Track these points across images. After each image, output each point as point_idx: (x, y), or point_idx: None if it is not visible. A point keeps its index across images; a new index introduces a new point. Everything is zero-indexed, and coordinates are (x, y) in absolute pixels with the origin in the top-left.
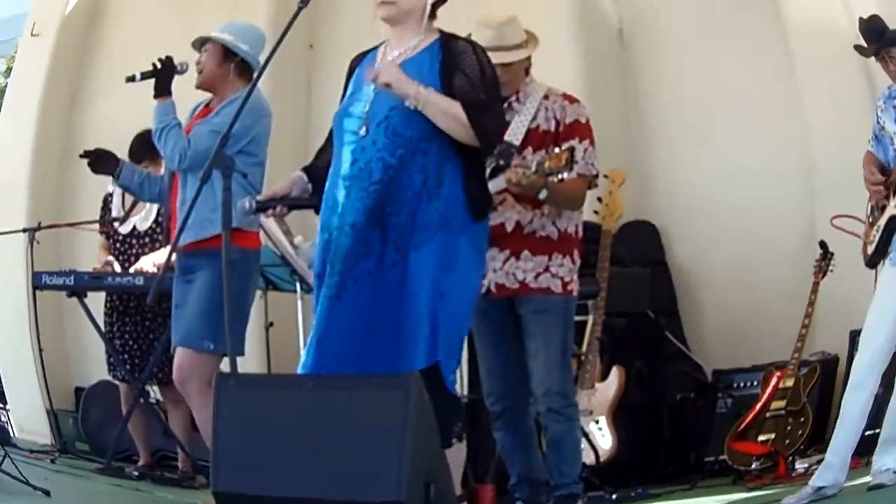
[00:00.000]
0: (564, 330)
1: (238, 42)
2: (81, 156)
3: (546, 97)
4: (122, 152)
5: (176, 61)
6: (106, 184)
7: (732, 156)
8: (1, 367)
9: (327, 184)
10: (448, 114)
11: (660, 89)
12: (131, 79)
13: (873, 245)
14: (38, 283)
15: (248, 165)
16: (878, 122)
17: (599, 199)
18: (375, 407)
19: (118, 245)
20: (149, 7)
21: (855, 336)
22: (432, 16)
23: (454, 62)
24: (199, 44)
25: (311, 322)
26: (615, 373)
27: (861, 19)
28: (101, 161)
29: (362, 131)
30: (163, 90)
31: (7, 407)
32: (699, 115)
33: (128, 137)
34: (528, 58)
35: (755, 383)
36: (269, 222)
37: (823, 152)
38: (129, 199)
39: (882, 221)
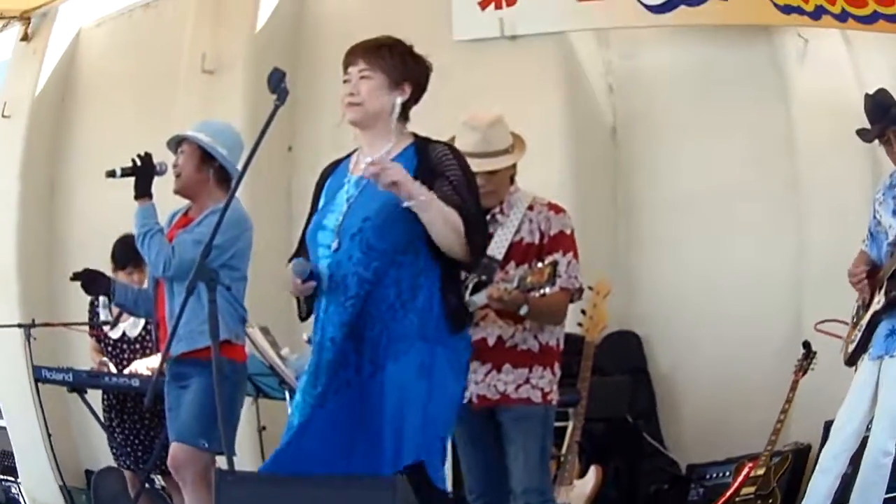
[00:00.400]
0: (543, 435)
1: (216, 145)
2: (72, 278)
3: (531, 207)
4: (106, 243)
5: (155, 160)
6: None
7: (722, 259)
8: (14, 447)
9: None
10: (448, 221)
11: (652, 190)
12: (111, 174)
13: (854, 343)
14: (38, 376)
15: (231, 280)
16: (875, 217)
17: (583, 312)
18: None
19: (110, 349)
20: (116, 91)
21: (829, 425)
22: (405, 118)
23: (434, 167)
24: (175, 143)
25: None
26: (593, 471)
27: (867, 95)
28: (92, 282)
29: (334, 245)
30: (143, 192)
31: (19, 480)
32: (691, 216)
33: (110, 225)
34: (514, 164)
35: (727, 474)
36: (256, 334)
37: (817, 255)
38: None
39: (865, 319)
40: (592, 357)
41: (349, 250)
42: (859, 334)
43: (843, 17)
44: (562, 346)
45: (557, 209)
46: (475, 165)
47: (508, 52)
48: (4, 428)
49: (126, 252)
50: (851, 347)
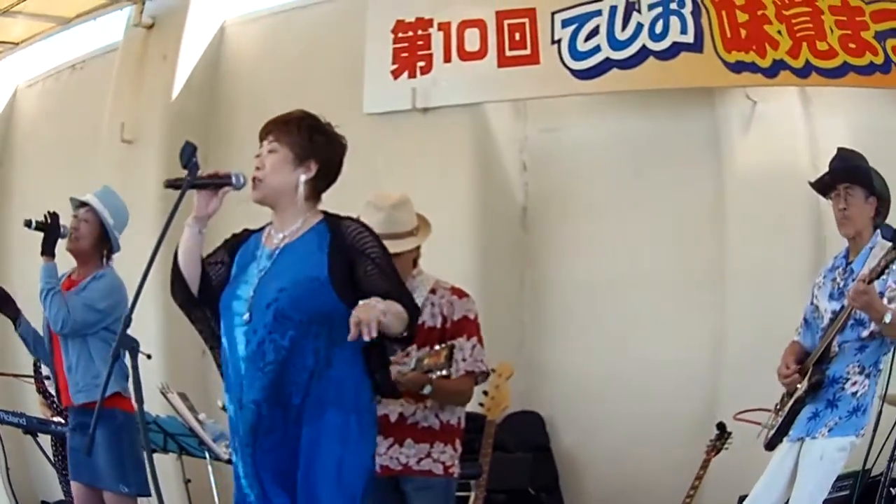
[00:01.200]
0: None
1: (115, 229)
2: None
3: (433, 291)
4: None
5: (61, 221)
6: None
7: (636, 343)
8: None
9: (229, 366)
10: (399, 317)
11: (562, 273)
12: (28, 224)
13: (775, 428)
14: None
15: (110, 342)
16: (812, 303)
17: (485, 393)
18: None
19: (54, 404)
20: (45, 155)
21: (742, 500)
22: (314, 197)
23: (350, 245)
24: (79, 204)
25: (221, 481)
26: None
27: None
28: (3, 303)
29: (246, 317)
30: (48, 250)
31: None
32: (603, 300)
33: None
34: (418, 247)
35: None
36: (175, 400)
37: (736, 340)
38: None
39: (788, 406)
40: (494, 435)
41: (263, 318)
42: (780, 419)
43: (805, 71)
44: (463, 424)
45: (461, 294)
46: None
47: (420, 126)
48: None
49: None
50: (772, 433)
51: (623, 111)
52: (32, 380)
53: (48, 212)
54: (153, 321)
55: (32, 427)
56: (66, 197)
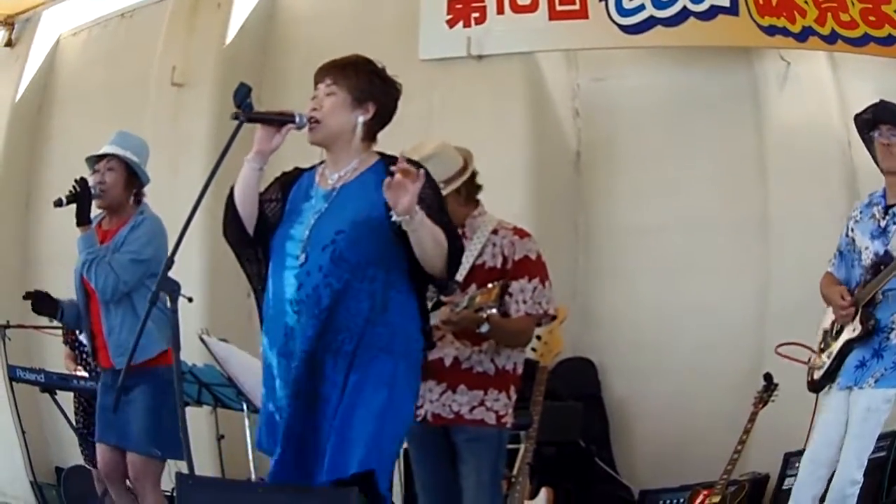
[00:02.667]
0: (496, 457)
1: (142, 163)
2: (24, 297)
3: (495, 231)
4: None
5: (91, 182)
6: (69, 295)
7: (683, 290)
8: None
9: (272, 309)
10: (436, 239)
11: (613, 219)
12: (59, 203)
13: (822, 370)
14: (12, 375)
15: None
16: (847, 236)
17: (538, 337)
18: None
19: (85, 354)
20: (91, 101)
21: (790, 457)
22: (370, 138)
23: None
24: (97, 159)
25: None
26: (543, 492)
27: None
28: (40, 303)
29: (302, 257)
30: (84, 219)
31: None
32: (653, 246)
33: None
34: (469, 182)
35: (681, 501)
36: (216, 344)
37: (782, 287)
38: None
39: (836, 346)
40: (546, 382)
41: (318, 261)
42: (828, 361)
43: (831, 38)
44: (519, 371)
45: (522, 234)
46: None
47: (475, 72)
48: None
49: None
50: (818, 374)
51: (667, 65)
52: (59, 332)
53: (76, 179)
54: (196, 262)
55: (52, 384)
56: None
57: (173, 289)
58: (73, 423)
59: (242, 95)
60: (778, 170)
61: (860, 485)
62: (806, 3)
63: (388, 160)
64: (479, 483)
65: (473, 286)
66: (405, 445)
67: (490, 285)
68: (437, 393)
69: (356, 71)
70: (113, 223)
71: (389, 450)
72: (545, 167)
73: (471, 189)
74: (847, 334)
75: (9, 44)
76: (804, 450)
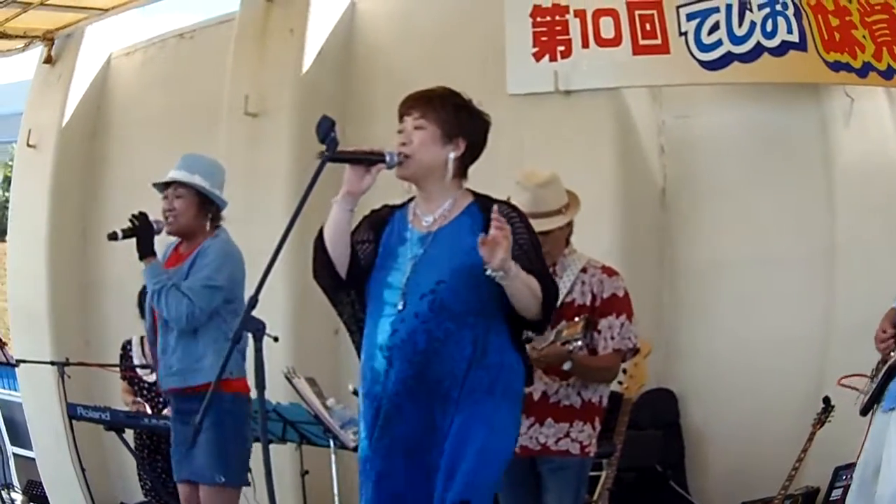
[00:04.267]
0: (578, 485)
1: (214, 188)
2: (110, 236)
3: (584, 270)
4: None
5: (151, 218)
6: (127, 327)
7: (755, 322)
8: (43, 478)
9: (364, 353)
10: (530, 288)
11: (696, 253)
12: (113, 237)
13: (868, 394)
14: (73, 413)
15: (228, 313)
16: None
17: (624, 371)
18: None
19: (145, 392)
20: (150, 126)
21: (840, 470)
22: (462, 174)
23: None
24: (165, 184)
25: (343, 473)
26: None
27: None
28: (144, 230)
29: (400, 305)
30: (147, 251)
31: None
32: (730, 280)
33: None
34: (570, 223)
35: None
36: (302, 385)
37: (845, 317)
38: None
39: (882, 370)
40: (629, 413)
41: (417, 308)
42: (874, 385)
43: (888, 74)
44: (605, 403)
45: (611, 272)
46: None
47: (562, 107)
48: (33, 458)
49: None
50: (866, 399)
51: (744, 101)
52: (117, 369)
53: (133, 214)
54: (281, 300)
55: (118, 422)
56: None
57: (258, 328)
58: (137, 457)
59: (326, 129)
60: (844, 203)
61: None
62: (864, 37)
63: (482, 201)
64: None
65: (564, 322)
66: None
67: (576, 319)
68: (526, 426)
69: (444, 104)
70: (188, 247)
71: (485, 485)
72: (632, 203)
73: (571, 228)
74: (891, 361)
75: (48, 61)
76: (853, 463)
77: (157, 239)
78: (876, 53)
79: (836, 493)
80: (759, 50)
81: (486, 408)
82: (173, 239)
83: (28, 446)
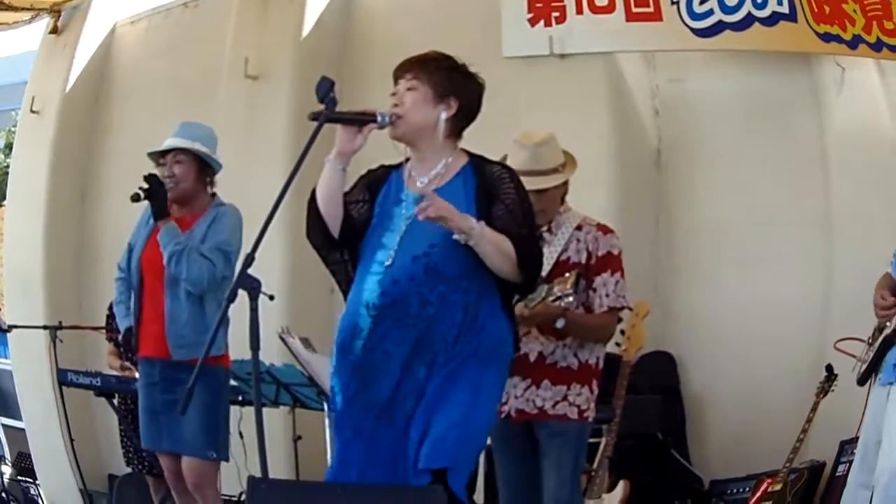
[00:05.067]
0: (577, 452)
1: (212, 154)
2: (134, 197)
3: (579, 227)
4: None
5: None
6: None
7: (754, 286)
8: (32, 449)
9: (345, 310)
10: (500, 250)
11: (692, 216)
12: (136, 198)
13: (866, 364)
14: (63, 379)
15: (226, 287)
16: None
17: (622, 332)
18: None
19: (131, 355)
20: (153, 92)
21: (844, 444)
22: (456, 135)
23: (491, 189)
24: (162, 152)
25: None
26: (621, 485)
27: None
28: (158, 189)
29: (388, 262)
30: (162, 213)
31: (38, 482)
32: (727, 243)
33: None
34: (566, 182)
35: (747, 489)
36: (296, 345)
37: (844, 284)
38: None
39: (878, 341)
40: (628, 376)
41: (411, 271)
42: (872, 354)
43: (877, 46)
44: (601, 365)
45: (606, 230)
46: (525, 184)
47: (558, 71)
48: (23, 429)
49: None
50: (863, 368)
51: (737, 67)
52: (104, 330)
53: (145, 176)
54: (277, 260)
55: (110, 388)
56: None
57: (253, 286)
58: (123, 428)
59: (325, 89)
60: (839, 170)
61: None
62: (855, 11)
63: (476, 163)
64: (559, 477)
65: (556, 279)
66: (488, 441)
67: (566, 274)
68: (522, 388)
69: (437, 66)
70: (185, 214)
71: (468, 452)
72: (628, 165)
73: (566, 187)
74: (886, 330)
75: (54, 31)
76: (857, 437)
77: (134, 207)
78: (866, 27)
79: (842, 468)
80: (749, 19)
81: (473, 372)
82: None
83: (18, 416)
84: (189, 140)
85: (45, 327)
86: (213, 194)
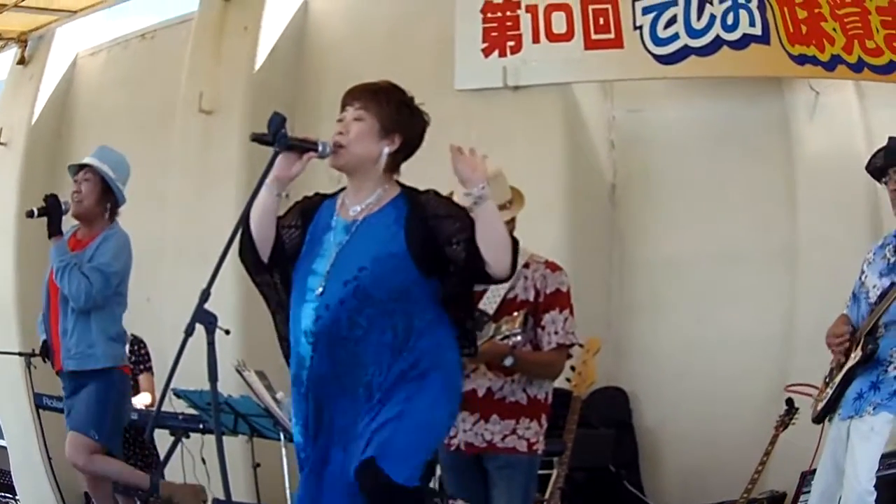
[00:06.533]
0: (527, 482)
1: (118, 180)
2: (28, 214)
3: (527, 265)
4: None
5: (61, 199)
6: None
7: (713, 321)
8: (12, 467)
9: (291, 338)
10: (501, 224)
11: (648, 251)
12: (30, 214)
13: (824, 402)
14: (39, 403)
15: (118, 304)
16: (860, 279)
17: (573, 368)
18: None
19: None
20: (112, 123)
21: (804, 475)
22: (393, 169)
23: (430, 214)
24: (78, 168)
25: (294, 465)
26: None
27: (889, 141)
28: (53, 210)
29: (319, 290)
30: (56, 230)
31: (17, 498)
32: (685, 278)
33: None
34: (513, 219)
35: None
36: (252, 378)
37: (807, 317)
38: None
39: (838, 378)
40: (579, 411)
41: (340, 295)
42: (830, 392)
43: (858, 66)
44: (550, 399)
45: (554, 267)
46: None
47: (511, 103)
48: (4, 447)
49: None
50: (821, 406)
51: (701, 95)
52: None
53: (46, 195)
54: (231, 294)
55: None
56: (141, 168)
57: (210, 321)
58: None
59: (277, 125)
60: (806, 200)
61: (874, 496)
62: (834, 30)
63: (409, 193)
64: None
65: (504, 318)
66: (439, 473)
67: (515, 313)
68: (471, 423)
69: (388, 99)
70: (86, 234)
71: (405, 441)
72: (581, 199)
73: (514, 224)
74: (850, 362)
75: (21, 62)
76: (815, 470)
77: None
78: (846, 46)
79: (805, 498)
80: (717, 43)
81: (410, 385)
82: (75, 225)
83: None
84: (99, 161)
85: (20, 354)
86: (113, 220)
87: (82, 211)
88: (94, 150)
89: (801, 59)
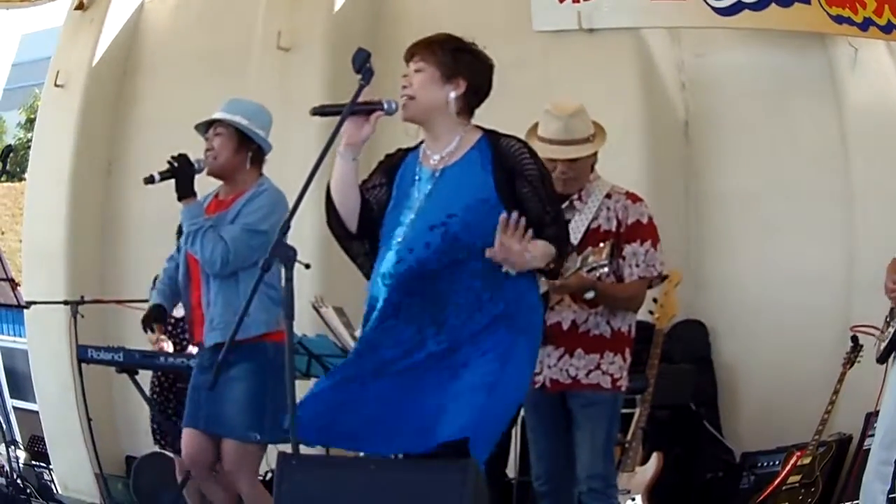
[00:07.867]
0: (610, 422)
1: (254, 127)
2: (144, 322)
3: (608, 196)
4: (163, 224)
5: (192, 158)
6: (152, 260)
7: (780, 256)
8: (46, 432)
9: (371, 280)
10: (546, 255)
11: (720, 185)
12: (150, 180)
13: (885, 342)
14: (83, 356)
15: None
16: None
17: (655, 300)
18: (434, 489)
19: (170, 327)
20: (183, 66)
21: (869, 417)
22: (468, 113)
23: (509, 163)
24: (207, 125)
25: None
26: (654, 458)
27: None
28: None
29: (400, 237)
30: (186, 192)
31: (51, 466)
32: (753, 213)
33: (167, 206)
34: (596, 152)
35: (777, 462)
36: (330, 315)
37: (867, 255)
38: None
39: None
40: (661, 345)
41: (426, 239)
42: (892, 331)
43: (887, 28)
44: (633, 333)
45: (635, 198)
46: (557, 153)
47: (586, 45)
48: (35, 412)
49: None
50: (883, 346)
51: (757, 45)
52: (144, 304)
53: (172, 155)
54: (310, 229)
55: (132, 363)
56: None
57: (289, 255)
58: (152, 403)
59: (362, 60)
60: (857, 147)
61: None
62: None
63: (490, 136)
64: (593, 451)
65: (589, 249)
66: (521, 414)
67: (601, 244)
68: (556, 358)
69: (442, 47)
70: (230, 193)
71: (493, 424)
72: (657, 137)
73: (596, 156)
74: None
75: (80, 7)
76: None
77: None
78: (877, 10)
79: (869, 442)
80: (767, 0)
81: (502, 338)
82: (211, 189)
83: (31, 398)
84: (229, 114)
85: (66, 302)
86: (260, 174)
87: (218, 168)
88: (222, 104)
89: (839, 19)
